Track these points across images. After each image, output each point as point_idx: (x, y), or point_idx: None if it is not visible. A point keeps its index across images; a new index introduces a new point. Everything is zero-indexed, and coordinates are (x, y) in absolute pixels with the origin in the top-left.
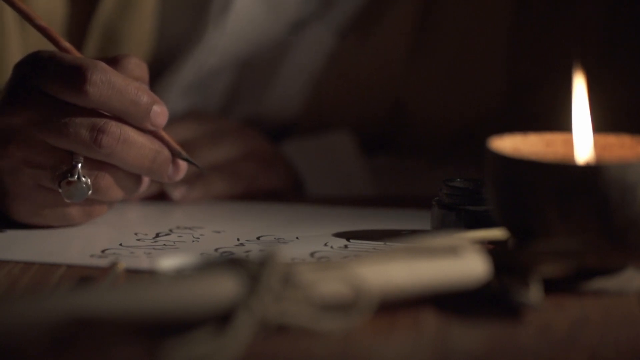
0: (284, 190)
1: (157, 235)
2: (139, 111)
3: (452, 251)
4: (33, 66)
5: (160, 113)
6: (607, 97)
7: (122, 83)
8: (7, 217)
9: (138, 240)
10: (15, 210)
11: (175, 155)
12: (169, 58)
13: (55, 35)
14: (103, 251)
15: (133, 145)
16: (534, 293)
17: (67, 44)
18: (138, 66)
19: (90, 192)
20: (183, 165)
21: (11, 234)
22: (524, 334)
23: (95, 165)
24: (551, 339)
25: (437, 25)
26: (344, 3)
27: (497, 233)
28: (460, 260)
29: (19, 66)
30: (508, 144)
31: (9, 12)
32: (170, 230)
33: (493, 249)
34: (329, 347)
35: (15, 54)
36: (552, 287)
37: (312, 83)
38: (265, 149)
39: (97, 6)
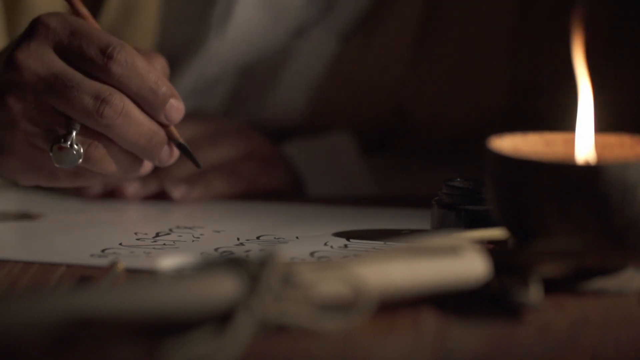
0: (284, 190)
1: (157, 235)
2: (156, 100)
3: (452, 251)
4: (62, 26)
5: (176, 108)
6: (610, 99)
7: (145, 69)
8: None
9: (138, 240)
10: (4, 166)
11: (172, 140)
12: (170, 65)
13: (76, 1)
14: (103, 251)
15: (133, 121)
16: (534, 293)
17: (85, 11)
18: (163, 67)
19: (80, 160)
20: (176, 150)
21: (11, 234)
22: (524, 334)
23: (91, 134)
24: (551, 339)
25: (439, 29)
26: (346, 8)
27: (497, 233)
28: (460, 260)
29: (43, 19)
30: (508, 144)
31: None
32: (170, 230)
33: (493, 249)
34: (329, 347)
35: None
36: (552, 287)
37: (314, 88)
38: (266, 149)
39: (99, 13)
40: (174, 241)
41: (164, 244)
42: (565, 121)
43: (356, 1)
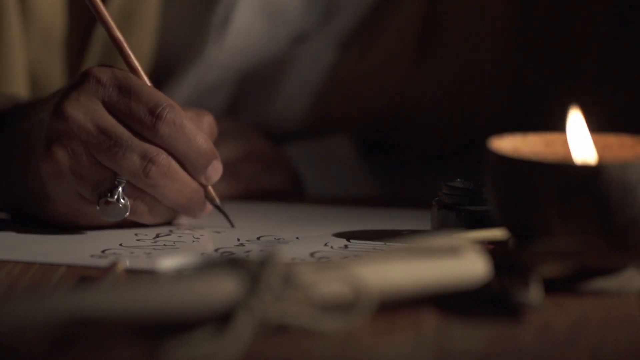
0: (284, 190)
1: (157, 235)
2: (199, 162)
3: (452, 251)
4: (112, 82)
5: (217, 170)
6: (608, 103)
7: (193, 131)
8: (36, 221)
9: (138, 240)
10: (50, 212)
11: (208, 199)
12: (168, 72)
13: (127, 51)
14: (103, 251)
15: (177, 181)
16: (534, 293)
17: (136, 63)
18: (211, 126)
19: (127, 213)
20: (209, 205)
21: (11, 234)
22: (524, 334)
23: (135, 189)
24: (551, 339)
25: (439, 36)
26: (345, 15)
27: (497, 233)
28: (460, 260)
29: (94, 72)
30: (508, 144)
31: (12, 19)
32: (170, 231)
33: (493, 249)
34: (329, 347)
35: (18, 60)
36: (552, 287)
37: (314, 95)
38: (266, 150)
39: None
40: (174, 242)
41: (164, 245)
42: (565, 125)
43: (356, 9)
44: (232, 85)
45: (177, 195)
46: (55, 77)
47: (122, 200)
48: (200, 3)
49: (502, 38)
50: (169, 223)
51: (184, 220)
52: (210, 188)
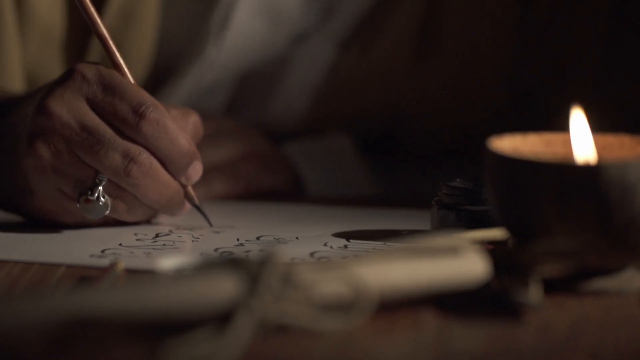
0: (284, 190)
1: (157, 235)
2: (181, 162)
3: (452, 251)
4: (97, 79)
5: (198, 170)
6: (608, 102)
7: (175, 131)
8: (23, 217)
9: (138, 240)
10: (35, 208)
11: (187, 199)
12: (168, 72)
13: (112, 48)
14: (103, 251)
15: (157, 181)
16: (534, 293)
17: (120, 60)
18: (195, 125)
19: (107, 212)
20: (188, 204)
21: (11, 234)
22: (524, 334)
23: (116, 187)
24: (551, 339)
25: (439, 36)
26: (345, 15)
27: (497, 233)
28: (460, 260)
29: (80, 69)
30: (508, 144)
31: (7, 18)
32: (170, 231)
33: (493, 249)
34: (329, 347)
35: (14, 59)
36: (552, 287)
37: (313, 95)
38: (266, 149)
39: None
40: (173, 241)
41: (164, 245)
42: (565, 125)
43: (355, 8)
44: (232, 85)
45: (158, 194)
46: (55, 77)
47: (102, 199)
48: (200, 3)
49: (501, 38)
50: (148, 221)
51: (162, 218)
52: (189, 187)
